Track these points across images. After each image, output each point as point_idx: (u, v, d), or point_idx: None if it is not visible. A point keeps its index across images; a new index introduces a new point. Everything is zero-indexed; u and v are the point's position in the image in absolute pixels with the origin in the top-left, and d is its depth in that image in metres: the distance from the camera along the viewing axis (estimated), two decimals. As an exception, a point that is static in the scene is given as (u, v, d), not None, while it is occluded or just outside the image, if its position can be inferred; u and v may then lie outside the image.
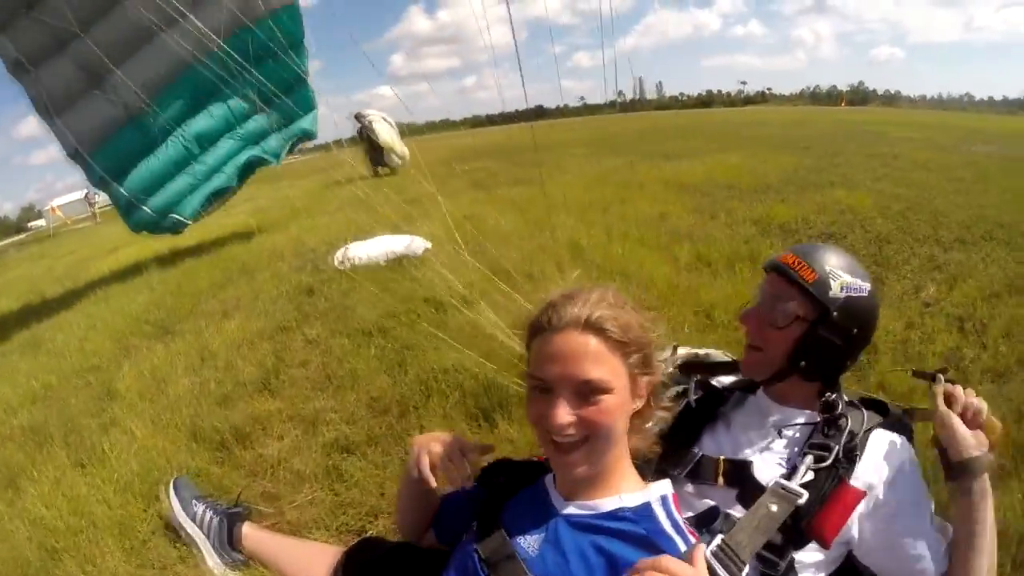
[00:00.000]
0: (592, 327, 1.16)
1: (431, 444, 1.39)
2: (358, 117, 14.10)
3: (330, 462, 2.64)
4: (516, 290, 3.10)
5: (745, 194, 7.42)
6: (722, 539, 1.21)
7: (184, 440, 3.02)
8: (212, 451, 2.89)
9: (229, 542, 2.09)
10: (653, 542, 1.14)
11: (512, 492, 1.39)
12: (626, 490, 1.23)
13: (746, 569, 1.17)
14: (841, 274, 1.46)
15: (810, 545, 1.34)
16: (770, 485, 1.35)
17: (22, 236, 24.05)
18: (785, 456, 1.45)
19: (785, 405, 1.54)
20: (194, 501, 2.22)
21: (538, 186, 8.00)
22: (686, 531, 1.18)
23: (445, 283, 3.73)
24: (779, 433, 1.50)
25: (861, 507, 1.34)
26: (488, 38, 3.10)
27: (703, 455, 1.52)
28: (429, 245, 5.44)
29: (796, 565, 1.32)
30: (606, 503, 1.22)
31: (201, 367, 4.01)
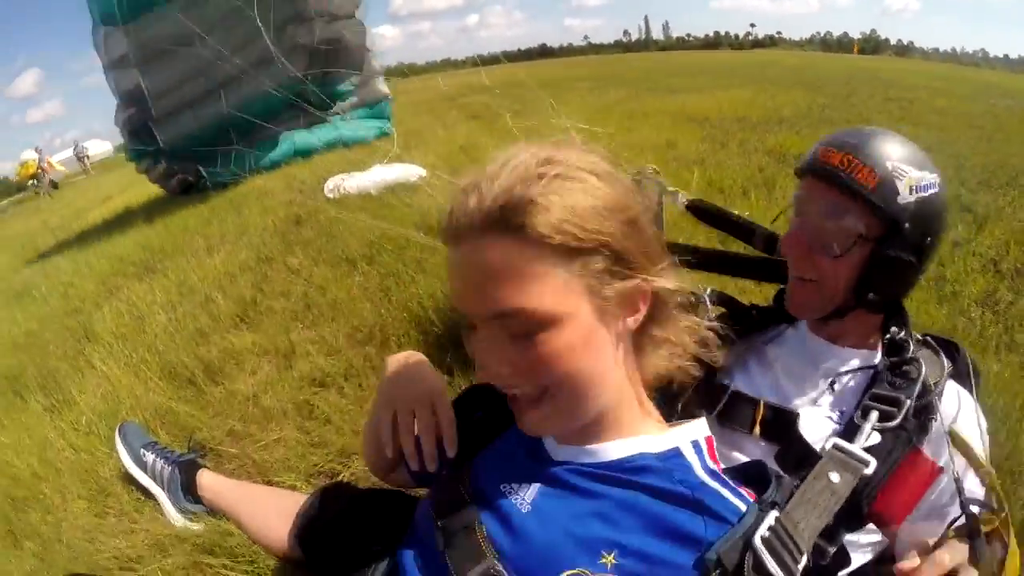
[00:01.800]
0: (501, 226, 0.75)
1: (410, 406, 1.04)
2: None
3: (302, 397, 2.44)
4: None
5: (757, 126, 7.18)
6: (776, 517, 0.79)
7: (154, 378, 2.86)
8: (180, 388, 2.75)
9: (187, 492, 1.90)
10: (693, 498, 0.79)
11: (491, 432, 1.04)
12: (643, 429, 0.89)
13: (804, 561, 0.78)
14: (908, 170, 1.10)
15: (868, 526, 1.07)
16: (827, 447, 1.00)
17: (20, 195, 23.37)
18: (839, 411, 1.16)
19: (840, 346, 1.24)
20: (143, 450, 2.05)
21: (539, 118, 7.73)
22: (735, 486, 0.84)
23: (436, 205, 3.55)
24: (831, 384, 1.20)
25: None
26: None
27: (738, 391, 1.24)
28: (424, 172, 5.26)
29: (847, 546, 1.04)
30: (614, 448, 0.86)
31: (180, 303, 3.87)
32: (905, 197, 1.09)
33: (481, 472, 0.97)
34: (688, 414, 1.14)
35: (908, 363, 1.11)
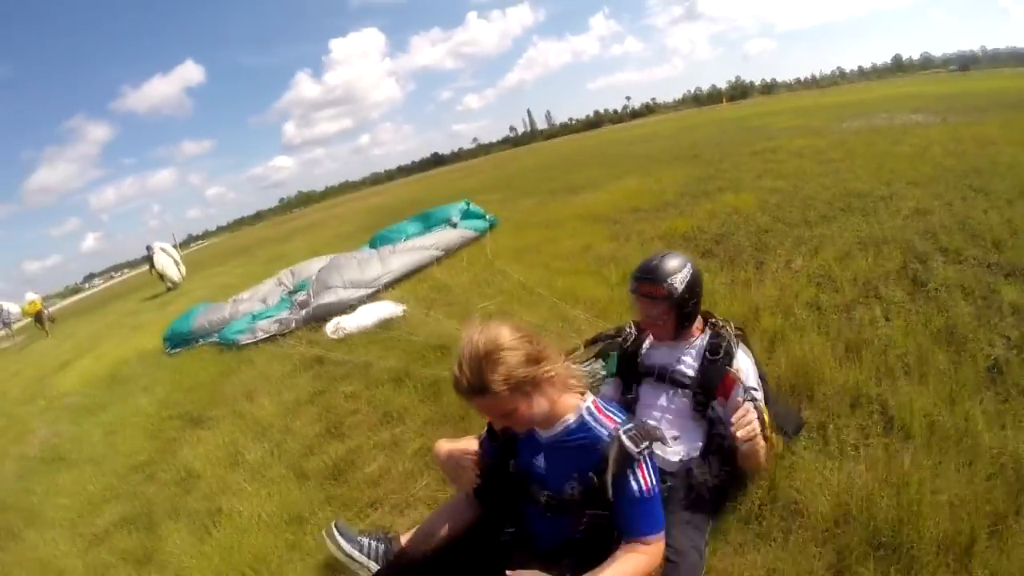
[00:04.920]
0: (478, 393, 1.88)
1: (452, 465, 2.46)
2: (148, 248, 19.86)
3: (422, 463, 3.66)
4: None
5: (649, 214, 8.90)
6: (628, 428, 2.01)
7: (295, 481, 3.93)
8: (325, 480, 3.82)
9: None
10: (591, 443, 2.00)
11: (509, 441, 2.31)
12: (566, 413, 2.08)
13: (644, 444, 2.00)
14: (674, 276, 2.64)
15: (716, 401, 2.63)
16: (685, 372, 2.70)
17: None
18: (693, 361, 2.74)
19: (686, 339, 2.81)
20: (359, 536, 2.57)
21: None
22: (605, 420, 2.04)
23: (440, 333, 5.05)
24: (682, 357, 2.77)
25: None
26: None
27: (654, 366, 2.80)
28: (404, 309, 6.68)
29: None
30: (559, 426, 2.08)
31: (262, 437, 4.80)
32: (678, 287, 2.63)
33: (519, 454, 2.25)
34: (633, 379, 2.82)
35: (719, 334, 2.73)
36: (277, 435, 4.77)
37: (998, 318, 3.73)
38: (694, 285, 2.70)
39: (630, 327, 3.04)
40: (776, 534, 2.36)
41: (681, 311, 2.69)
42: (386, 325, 6.43)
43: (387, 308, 6.80)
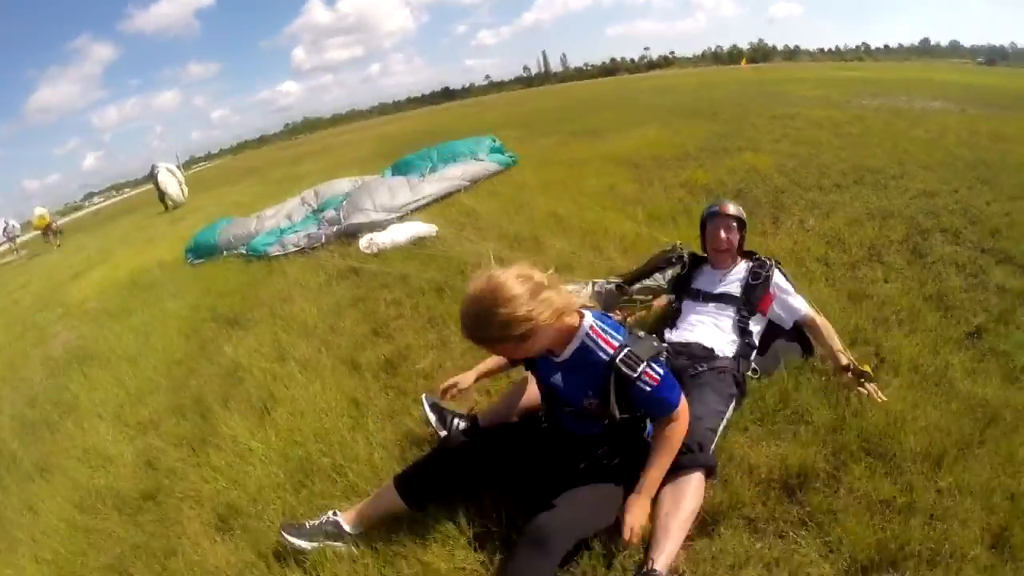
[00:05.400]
0: (479, 340, 2.17)
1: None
2: (152, 167, 21.04)
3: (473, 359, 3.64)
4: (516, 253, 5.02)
5: (671, 162, 9.34)
6: (627, 350, 2.28)
7: (347, 373, 4.25)
8: (379, 372, 4.16)
9: None
10: (594, 364, 2.26)
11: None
12: (571, 336, 2.30)
13: (643, 366, 2.29)
14: (739, 207, 3.58)
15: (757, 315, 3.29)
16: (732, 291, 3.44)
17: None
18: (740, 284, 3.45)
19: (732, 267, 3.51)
20: (444, 412, 3.19)
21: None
22: (604, 343, 2.25)
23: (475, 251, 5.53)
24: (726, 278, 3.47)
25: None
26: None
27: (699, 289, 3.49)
28: (435, 229, 7.17)
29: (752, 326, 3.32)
30: (568, 350, 2.31)
31: (307, 336, 5.10)
32: (744, 217, 3.41)
33: (541, 373, 2.50)
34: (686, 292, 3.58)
35: (761, 264, 3.42)
36: (322, 334, 5.07)
37: (984, 294, 4.23)
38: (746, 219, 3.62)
39: (684, 254, 3.87)
40: (785, 433, 2.88)
41: (742, 236, 3.54)
42: (419, 243, 6.88)
43: (420, 227, 7.24)
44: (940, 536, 2.23)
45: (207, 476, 3.45)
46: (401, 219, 7.92)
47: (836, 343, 3.20)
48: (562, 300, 2.17)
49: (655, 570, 2.16)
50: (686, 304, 3.53)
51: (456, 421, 3.10)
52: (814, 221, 5.90)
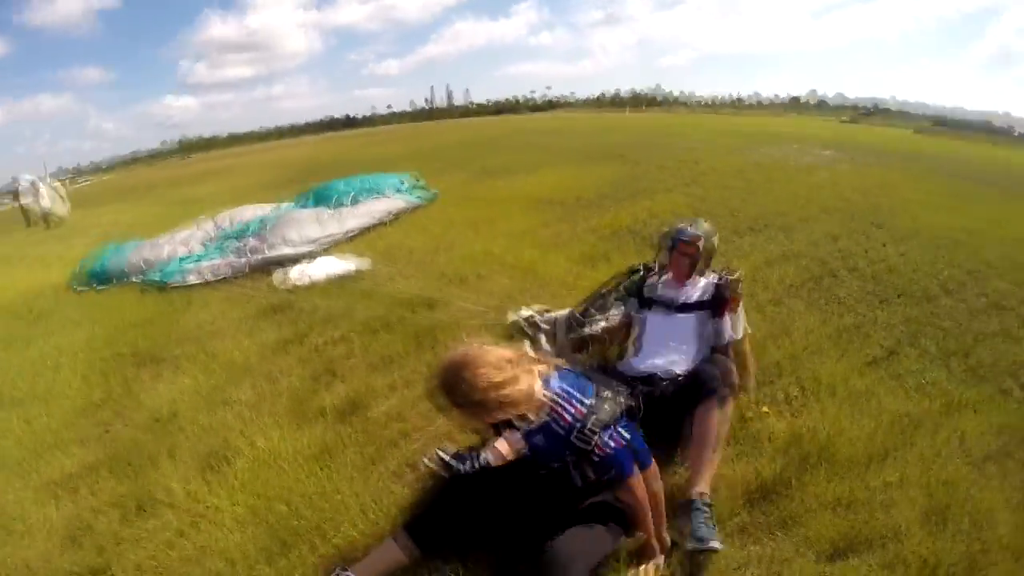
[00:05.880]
0: (472, 407, 2.22)
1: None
2: (15, 179, 19.31)
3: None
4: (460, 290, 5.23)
5: (591, 203, 9.71)
6: (587, 425, 2.41)
7: (293, 421, 4.02)
8: (341, 418, 3.99)
9: None
10: (560, 432, 2.34)
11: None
12: (540, 404, 2.33)
13: (596, 437, 2.40)
14: (711, 235, 3.74)
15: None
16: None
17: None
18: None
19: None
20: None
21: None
22: (564, 408, 2.34)
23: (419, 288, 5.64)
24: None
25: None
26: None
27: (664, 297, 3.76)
28: (367, 265, 7.18)
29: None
30: (537, 417, 2.34)
31: (247, 377, 4.82)
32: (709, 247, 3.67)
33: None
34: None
35: (727, 272, 3.70)
36: (266, 374, 4.82)
37: (891, 323, 4.88)
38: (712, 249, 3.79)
39: (642, 269, 4.04)
40: (751, 452, 3.27)
41: (707, 258, 3.74)
42: (354, 277, 6.89)
43: (353, 262, 7.28)
44: (889, 521, 2.73)
45: (169, 543, 3.08)
46: (327, 251, 7.97)
47: (752, 378, 3.67)
48: (538, 370, 2.36)
49: (702, 492, 2.71)
50: (651, 316, 3.74)
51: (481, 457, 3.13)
52: (736, 262, 6.40)
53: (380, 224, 9.29)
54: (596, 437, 2.32)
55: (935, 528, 2.71)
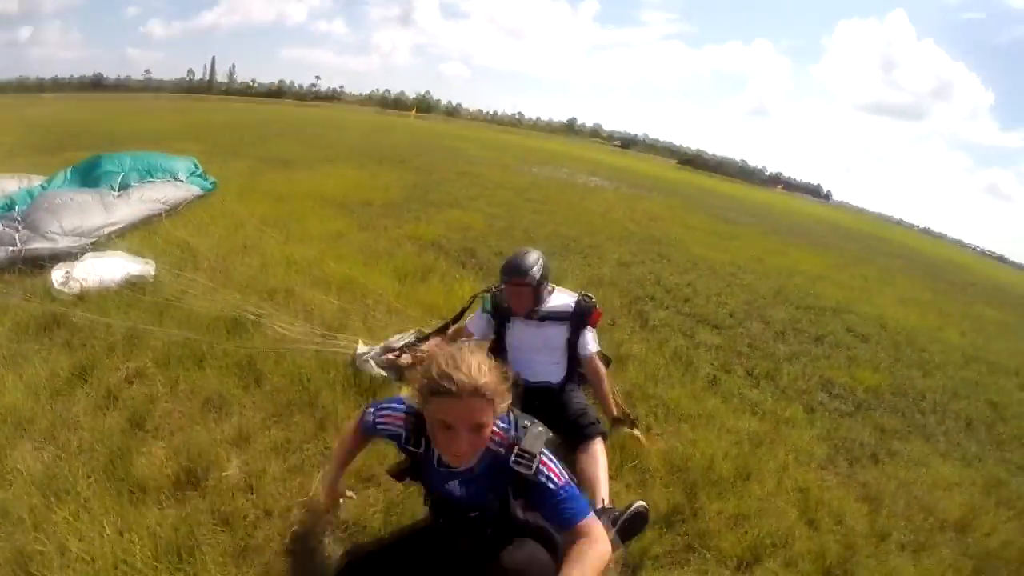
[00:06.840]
0: (480, 394, 1.82)
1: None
2: None
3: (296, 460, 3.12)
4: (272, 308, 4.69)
5: (386, 211, 9.38)
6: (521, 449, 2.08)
7: (126, 498, 2.61)
8: (174, 493, 2.73)
9: None
10: (494, 464, 2.02)
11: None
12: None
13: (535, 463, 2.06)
14: (535, 269, 3.45)
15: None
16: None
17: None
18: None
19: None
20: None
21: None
22: (496, 436, 2.02)
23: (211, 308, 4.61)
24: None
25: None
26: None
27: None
28: (153, 269, 5.57)
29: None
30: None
31: (28, 432, 3.06)
32: (536, 278, 3.44)
33: (432, 480, 2.18)
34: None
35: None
36: (48, 430, 3.16)
37: (704, 349, 5.40)
38: (546, 273, 3.58)
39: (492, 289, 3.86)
40: (633, 483, 3.35)
41: (538, 292, 3.53)
42: (137, 286, 5.22)
43: (133, 265, 5.64)
44: (779, 527, 3.09)
45: None
46: (95, 246, 6.13)
47: (609, 393, 3.72)
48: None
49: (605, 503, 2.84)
50: (515, 326, 3.67)
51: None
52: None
53: (156, 215, 7.62)
54: (535, 461, 1.97)
55: (811, 529, 3.18)
